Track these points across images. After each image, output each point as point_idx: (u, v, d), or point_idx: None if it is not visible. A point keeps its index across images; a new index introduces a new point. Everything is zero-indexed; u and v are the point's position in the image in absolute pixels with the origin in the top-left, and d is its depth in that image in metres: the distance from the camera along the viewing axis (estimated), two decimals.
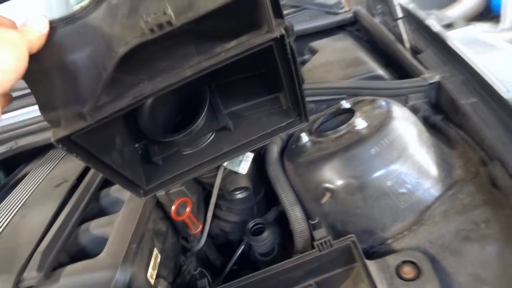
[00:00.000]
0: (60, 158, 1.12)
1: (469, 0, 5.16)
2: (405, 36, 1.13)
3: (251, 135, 0.73)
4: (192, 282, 0.89)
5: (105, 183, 0.96)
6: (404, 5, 1.28)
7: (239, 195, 0.93)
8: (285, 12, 0.57)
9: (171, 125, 0.76)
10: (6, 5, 0.80)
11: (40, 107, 0.52)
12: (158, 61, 0.53)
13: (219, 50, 0.52)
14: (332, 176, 0.79)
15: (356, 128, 0.81)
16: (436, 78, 0.95)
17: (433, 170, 0.78)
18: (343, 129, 0.83)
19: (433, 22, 1.23)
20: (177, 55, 0.54)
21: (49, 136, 1.14)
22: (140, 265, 0.72)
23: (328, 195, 0.79)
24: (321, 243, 0.74)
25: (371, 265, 0.69)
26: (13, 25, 0.51)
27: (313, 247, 0.75)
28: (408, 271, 0.68)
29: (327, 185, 0.79)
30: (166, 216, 0.86)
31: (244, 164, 0.83)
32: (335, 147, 0.80)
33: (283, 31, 0.50)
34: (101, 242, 0.77)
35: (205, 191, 0.98)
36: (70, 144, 0.53)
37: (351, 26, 1.39)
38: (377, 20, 1.32)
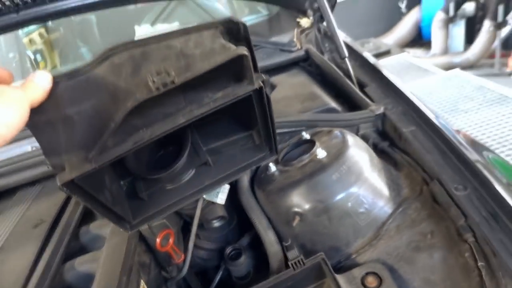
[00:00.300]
0: (31, 199, 1.12)
1: (402, 28, 5.69)
2: (352, 72, 1.29)
3: (228, 169, 0.81)
4: None
5: (82, 221, 0.99)
6: (346, 42, 1.45)
7: (217, 224, 1.00)
8: None
9: (153, 162, 0.82)
10: None
11: (44, 152, 0.58)
12: (152, 109, 0.61)
13: (207, 100, 0.60)
14: (300, 201, 0.88)
15: (317, 157, 0.92)
16: (381, 109, 1.10)
17: (385, 190, 0.90)
18: (306, 158, 0.93)
19: (368, 55, 1.40)
20: (167, 104, 0.62)
21: (19, 178, 1.15)
22: None
23: (297, 218, 0.88)
24: (295, 263, 0.82)
25: (340, 278, 0.78)
26: (10, 77, 0.57)
27: (287, 267, 0.83)
28: (371, 281, 0.78)
29: (296, 209, 0.88)
30: (149, 248, 0.91)
31: (221, 195, 0.91)
32: (301, 175, 0.90)
33: (261, 83, 0.61)
34: (88, 279, 0.80)
35: (181, 221, 1.03)
36: (73, 186, 0.59)
37: (304, 62, 1.54)
38: (326, 56, 1.48)
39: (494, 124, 2.71)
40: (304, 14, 1.62)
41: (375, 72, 1.29)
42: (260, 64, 1.48)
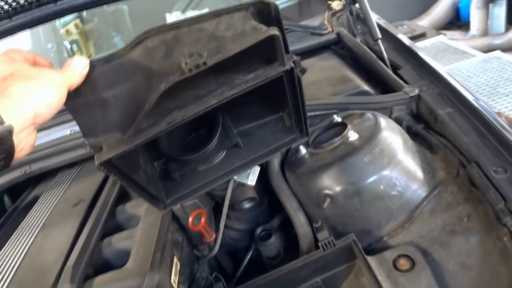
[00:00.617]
0: (70, 180, 1.18)
1: (439, 10, 5.43)
2: (385, 55, 1.25)
3: (259, 150, 0.82)
4: (206, 287, 0.96)
5: (119, 201, 1.03)
6: (379, 23, 1.41)
7: (247, 205, 1.02)
8: None
9: (186, 144, 0.84)
10: None
11: (83, 134, 0.60)
12: (184, 92, 0.62)
13: (238, 81, 0.61)
14: (331, 184, 0.87)
15: (349, 139, 0.91)
16: (416, 91, 1.06)
17: (419, 173, 0.88)
18: (337, 141, 0.93)
19: (404, 37, 1.36)
20: (199, 86, 0.63)
21: (59, 160, 1.21)
22: (164, 272, 0.78)
23: (328, 200, 0.88)
24: (325, 244, 0.82)
25: (371, 260, 0.77)
26: (50, 65, 0.60)
27: (317, 248, 0.84)
28: (403, 264, 0.77)
29: (327, 191, 0.88)
30: (181, 227, 0.93)
31: (252, 176, 0.92)
32: (332, 157, 0.90)
33: (292, 64, 0.60)
34: (124, 255, 0.84)
35: (213, 202, 1.05)
36: (110, 166, 0.61)
37: (335, 45, 1.51)
38: (358, 39, 1.44)
39: None
40: None
41: (410, 54, 1.24)
42: (291, 48, 1.47)
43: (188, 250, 0.94)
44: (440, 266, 0.75)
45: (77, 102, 0.58)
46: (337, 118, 1.02)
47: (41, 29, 2.56)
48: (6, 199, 1.41)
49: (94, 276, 0.80)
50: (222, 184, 0.94)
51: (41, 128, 1.28)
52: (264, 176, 1.02)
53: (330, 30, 1.52)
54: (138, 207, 0.97)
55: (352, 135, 0.91)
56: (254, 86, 0.61)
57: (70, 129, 1.30)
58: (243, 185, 0.95)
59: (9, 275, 0.83)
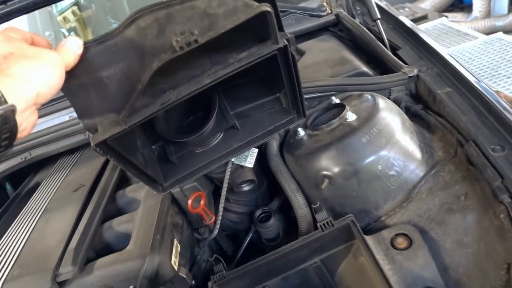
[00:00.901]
0: (70, 166, 1.19)
1: None
2: (384, 35, 1.24)
3: (256, 132, 0.82)
4: (207, 270, 0.98)
5: (119, 186, 1.03)
6: (379, 4, 1.39)
7: (246, 188, 1.02)
8: None
9: (183, 126, 0.84)
10: None
11: (78, 115, 0.60)
12: (178, 72, 0.62)
13: (232, 60, 0.60)
14: (329, 164, 0.88)
15: (347, 120, 0.90)
16: (414, 71, 1.05)
17: (417, 153, 0.88)
18: (335, 122, 0.92)
19: (405, 19, 1.34)
20: (193, 66, 0.62)
21: (59, 146, 1.21)
22: (165, 253, 0.80)
23: (326, 181, 0.88)
24: (323, 224, 0.83)
25: (369, 239, 0.78)
26: (48, 45, 0.59)
27: (316, 229, 0.84)
28: (401, 242, 0.77)
29: (325, 172, 0.88)
30: (181, 210, 0.94)
31: (250, 158, 0.92)
32: (330, 139, 0.89)
33: (286, 42, 0.60)
34: (124, 238, 0.85)
35: (212, 185, 1.06)
36: (106, 147, 0.61)
37: (334, 27, 1.50)
38: (357, 20, 1.43)
39: None
40: None
41: (409, 34, 1.23)
42: (289, 30, 1.46)
43: (188, 232, 0.95)
44: (437, 244, 0.76)
45: (71, 83, 0.58)
46: (335, 100, 1.01)
47: (38, 16, 2.54)
48: (8, 186, 1.42)
49: (96, 259, 0.81)
50: (220, 167, 0.94)
51: (40, 115, 1.28)
52: (263, 159, 1.02)
53: (329, 11, 1.50)
54: (137, 191, 0.98)
55: (350, 116, 0.90)
56: (248, 65, 0.60)
57: (69, 115, 1.30)
58: (241, 167, 0.95)
59: (12, 258, 0.85)
